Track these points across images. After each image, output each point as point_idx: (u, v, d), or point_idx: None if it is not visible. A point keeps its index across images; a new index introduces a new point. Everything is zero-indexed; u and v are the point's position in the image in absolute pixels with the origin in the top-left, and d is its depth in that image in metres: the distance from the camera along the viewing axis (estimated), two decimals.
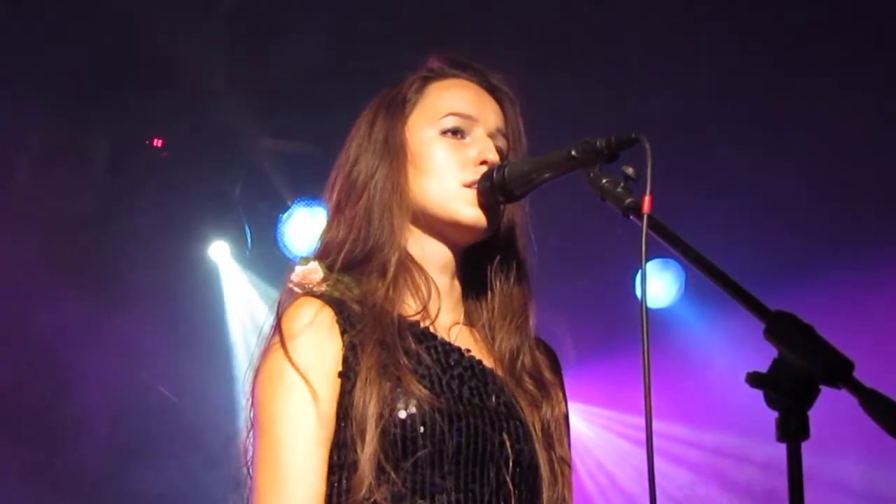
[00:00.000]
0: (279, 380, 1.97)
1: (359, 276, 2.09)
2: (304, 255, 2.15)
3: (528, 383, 2.10)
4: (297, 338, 1.98)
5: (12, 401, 5.86)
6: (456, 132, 2.13)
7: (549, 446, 2.07)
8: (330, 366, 1.98)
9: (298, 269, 2.10)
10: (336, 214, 2.15)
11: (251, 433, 2.05)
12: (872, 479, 5.78)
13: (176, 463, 6.14)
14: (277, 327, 2.02)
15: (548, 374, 2.16)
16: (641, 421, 6.33)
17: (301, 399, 1.95)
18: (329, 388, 1.96)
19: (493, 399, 2.04)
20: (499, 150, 2.14)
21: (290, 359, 1.96)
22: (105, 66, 5.34)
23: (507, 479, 1.98)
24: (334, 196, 2.17)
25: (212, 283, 6.42)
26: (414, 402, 1.94)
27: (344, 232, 2.12)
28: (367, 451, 1.91)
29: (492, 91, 2.21)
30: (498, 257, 2.18)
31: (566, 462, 2.11)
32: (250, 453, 2.05)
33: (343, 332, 2.00)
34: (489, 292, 2.17)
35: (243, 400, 2.11)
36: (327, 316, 2.01)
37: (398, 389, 1.95)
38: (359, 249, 2.10)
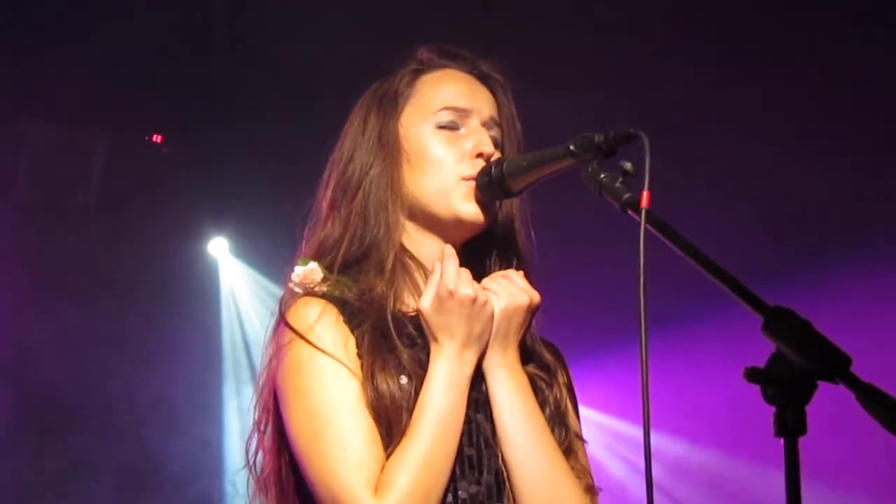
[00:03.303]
0: (310, 365, 1.97)
1: (357, 273, 2.09)
2: (303, 256, 2.15)
3: (530, 367, 2.09)
4: (312, 328, 1.99)
5: (14, 411, 5.86)
6: (451, 126, 2.13)
7: (562, 423, 2.08)
8: (350, 348, 1.99)
9: (298, 269, 2.10)
10: (331, 212, 2.15)
11: (257, 433, 2.08)
12: None
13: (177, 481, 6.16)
14: (287, 325, 2.02)
15: (548, 357, 2.17)
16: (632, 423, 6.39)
17: (337, 375, 1.95)
18: (357, 367, 1.97)
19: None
20: (493, 140, 2.13)
21: (313, 345, 1.97)
22: (105, 63, 5.34)
23: (503, 466, 1.99)
24: (329, 193, 2.17)
25: (211, 279, 6.43)
26: (420, 386, 1.96)
27: (340, 230, 2.12)
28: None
29: (483, 79, 2.21)
30: (496, 249, 2.18)
31: (577, 435, 2.12)
32: (252, 449, 2.08)
33: (351, 329, 2.01)
34: None
35: (246, 402, 2.13)
36: (332, 312, 2.02)
37: (403, 374, 1.98)
38: (355, 248, 2.10)
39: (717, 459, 6.36)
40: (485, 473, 1.99)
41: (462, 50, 2.24)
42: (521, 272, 2.10)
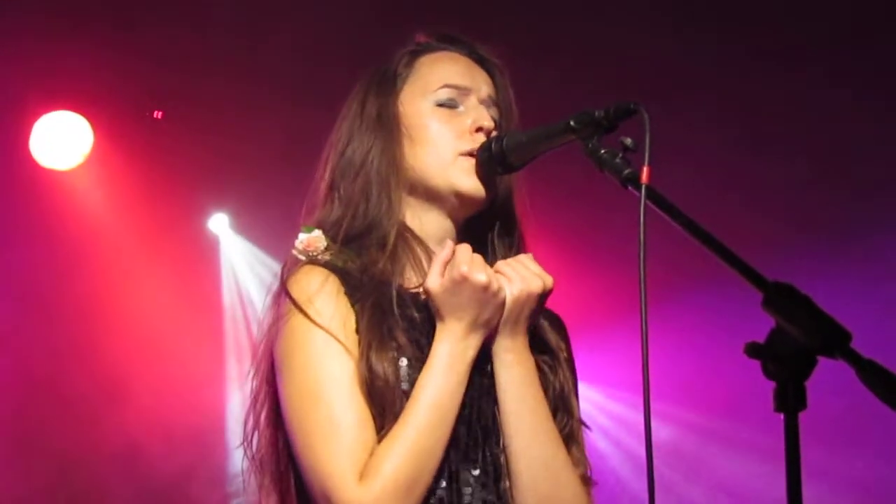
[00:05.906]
0: (306, 339, 1.96)
1: (358, 248, 2.09)
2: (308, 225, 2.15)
3: (534, 352, 2.08)
4: (312, 301, 1.98)
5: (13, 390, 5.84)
6: (450, 103, 2.14)
7: (564, 408, 2.08)
8: (348, 324, 1.98)
9: (302, 236, 2.10)
10: (329, 192, 2.15)
11: (253, 410, 2.07)
12: None
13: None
14: (287, 294, 2.01)
15: (552, 337, 2.16)
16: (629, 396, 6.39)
17: (333, 353, 1.95)
18: (354, 344, 1.96)
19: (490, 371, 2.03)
20: (492, 119, 2.14)
21: (311, 319, 1.96)
22: (105, 36, 5.32)
23: (500, 451, 1.99)
24: (327, 174, 2.17)
25: (211, 256, 6.42)
26: (417, 368, 1.96)
27: (341, 210, 2.12)
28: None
29: (480, 62, 2.22)
30: (497, 225, 2.18)
31: (580, 420, 2.12)
32: (249, 425, 2.07)
33: (352, 302, 2.01)
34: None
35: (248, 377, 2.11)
36: (335, 284, 2.02)
37: (400, 355, 1.97)
38: (358, 223, 2.10)
39: (717, 435, 6.37)
40: (481, 460, 1.98)
41: (460, 34, 2.26)
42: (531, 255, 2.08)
